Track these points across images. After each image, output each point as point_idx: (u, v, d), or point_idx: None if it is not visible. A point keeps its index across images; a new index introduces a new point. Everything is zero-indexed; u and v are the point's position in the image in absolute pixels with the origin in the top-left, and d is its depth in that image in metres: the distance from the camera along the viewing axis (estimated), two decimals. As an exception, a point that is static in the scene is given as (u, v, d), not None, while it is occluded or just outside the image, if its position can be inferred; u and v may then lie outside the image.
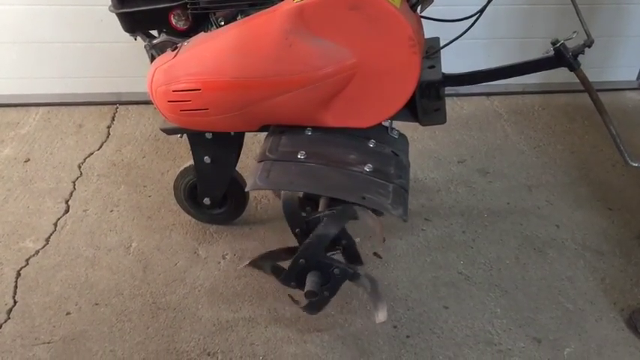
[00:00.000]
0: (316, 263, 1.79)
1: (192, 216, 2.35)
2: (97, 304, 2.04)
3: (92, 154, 2.78)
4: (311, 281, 1.78)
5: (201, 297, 2.06)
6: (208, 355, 1.87)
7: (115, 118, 3.05)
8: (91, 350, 1.88)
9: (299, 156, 1.70)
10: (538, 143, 2.89)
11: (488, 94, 3.25)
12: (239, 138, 2.05)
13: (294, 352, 1.88)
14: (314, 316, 1.95)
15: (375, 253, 2.20)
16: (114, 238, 2.30)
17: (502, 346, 1.91)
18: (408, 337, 1.94)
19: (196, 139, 2.03)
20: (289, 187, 1.71)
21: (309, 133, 1.79)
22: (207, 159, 2.07)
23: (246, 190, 1.71)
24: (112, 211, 2.44)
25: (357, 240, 1.96)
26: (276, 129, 1.83)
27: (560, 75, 3.25)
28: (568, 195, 2.54)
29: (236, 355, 1.87)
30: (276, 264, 1.88)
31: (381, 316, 1.80)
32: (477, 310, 2.03)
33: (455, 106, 3.16)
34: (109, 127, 2.99)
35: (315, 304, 1.87)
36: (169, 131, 2.02)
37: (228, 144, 2.03)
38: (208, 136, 2.00)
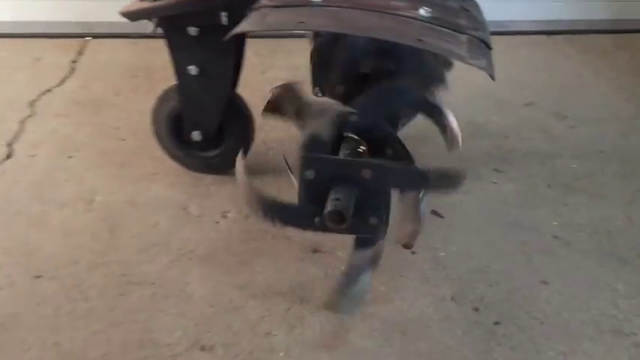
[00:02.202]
0: (332, 171, 1.14)
1: (179, 162, 1.77)
2: (38, 277, 1.41)
3: (50, 90, 2.21)
4: (334, 199, 1.12)
5: (191, 267, 1.45)
6: (202, 349, 1.24)
7: (83, 53, 2.45)
8: (25, 342, 1.25)
9: None
10: (621, 85, 2.34)
11: (548, 33, 2.71)
12: (237, 37, 1.39)
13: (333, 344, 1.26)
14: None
15: (433, 211, 1.61)
16: (70, 190, 1.69)
17: (638, 336, 1.29)
18: (496, 323, 1.32)
19: (176, 37, 1.52)
20: (297, 27, 1.26)
21: None
22: (192, 69, 1.56)
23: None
24: (70, 157, 1.84)
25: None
26: None
27: (634, 11, 2.78)
28: (678, 142, 1.95)
29: (244, 350, 1.24)
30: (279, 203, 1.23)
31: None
32: (590, 286, 1.42)
33: (509, 45, 2.59)
34: (73, 61, 2.40)
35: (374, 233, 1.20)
36: (132, 15, 1.50)
37: (222, 43, 1.36)
38: (192, 32, 1.51)
